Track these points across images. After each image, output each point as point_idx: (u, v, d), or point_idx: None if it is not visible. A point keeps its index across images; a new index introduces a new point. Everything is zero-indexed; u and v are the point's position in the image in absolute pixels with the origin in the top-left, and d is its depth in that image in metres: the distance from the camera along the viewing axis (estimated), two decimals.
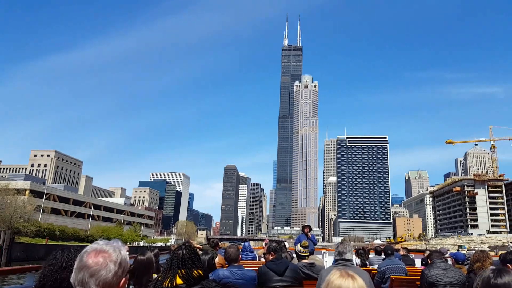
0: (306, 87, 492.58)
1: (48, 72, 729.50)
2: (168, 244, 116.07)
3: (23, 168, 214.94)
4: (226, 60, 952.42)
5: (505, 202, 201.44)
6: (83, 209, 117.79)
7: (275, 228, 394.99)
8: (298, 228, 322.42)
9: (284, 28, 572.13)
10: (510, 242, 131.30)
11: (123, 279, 2.09)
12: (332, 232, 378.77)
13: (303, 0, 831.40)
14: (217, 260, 6.46)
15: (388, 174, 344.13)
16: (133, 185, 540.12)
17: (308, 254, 7.34)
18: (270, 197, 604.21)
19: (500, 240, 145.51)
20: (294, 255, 8.19)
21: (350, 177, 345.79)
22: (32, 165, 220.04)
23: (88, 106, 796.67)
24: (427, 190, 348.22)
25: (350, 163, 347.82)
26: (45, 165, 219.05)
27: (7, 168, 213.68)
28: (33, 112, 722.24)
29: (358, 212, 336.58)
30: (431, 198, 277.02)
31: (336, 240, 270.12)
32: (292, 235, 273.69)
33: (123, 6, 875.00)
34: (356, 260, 10.92)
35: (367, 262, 10.84)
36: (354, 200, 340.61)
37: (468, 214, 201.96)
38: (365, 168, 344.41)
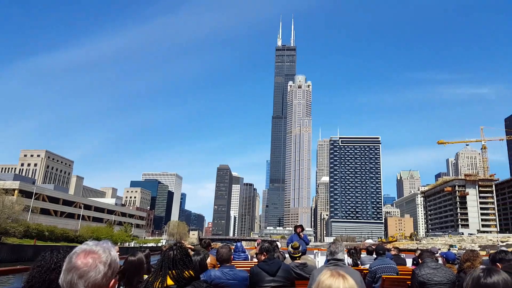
0: (299, 87, 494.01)
1: (39, 71, 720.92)
2: (160, 244, 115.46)
3: (12, 168, 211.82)
4: (219, 60, 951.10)
5: (495, 202, 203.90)
6: (73, 209, 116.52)
7: (268, 228, 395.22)
8: (291, 228, 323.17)
9: (278, 28, 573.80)
10: (500, 242, 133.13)
11: (113, 280, 2.06)
12: (325, 232, 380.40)
13: (297, 1, 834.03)
14: (208, 260, 6.42)
15: (380, 174, 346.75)
16: (125, 185, 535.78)
17: (300, 254, 7.34)
18: (262, 197, 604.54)
19: (491, 240, 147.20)
20: (287, 255, 8.19)
21: (343, 177, 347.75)
22: (22, 164, 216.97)
23: (80, 105, 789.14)
24: (418, 190, 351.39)
25: (343, 163, 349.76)
26: (35, 164, 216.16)
27: None
28: (24, 111, 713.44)
29: (350, 212, 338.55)
30: (422, 198, 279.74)
31: (328, 240, 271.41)
32: (285, 235, 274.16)
33: (116, 4, 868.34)
34: (348, 260, 10.97)
35: (359, 262, 10.89)
36: (347, 200, 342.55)
37: (459, 214, 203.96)
38: (358, 168, 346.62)
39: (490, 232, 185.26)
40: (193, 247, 8.84)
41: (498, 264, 5.39)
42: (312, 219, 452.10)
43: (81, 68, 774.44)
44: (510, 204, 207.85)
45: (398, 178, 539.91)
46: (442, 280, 5.95)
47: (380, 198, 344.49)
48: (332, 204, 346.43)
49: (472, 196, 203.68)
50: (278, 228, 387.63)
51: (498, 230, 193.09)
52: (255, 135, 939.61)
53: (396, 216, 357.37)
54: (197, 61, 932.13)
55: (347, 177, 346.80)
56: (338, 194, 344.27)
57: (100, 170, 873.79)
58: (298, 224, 12.39)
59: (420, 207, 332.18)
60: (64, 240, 77.53)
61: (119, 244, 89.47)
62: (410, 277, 6.59)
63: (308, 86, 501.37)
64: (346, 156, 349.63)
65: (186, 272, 2.89)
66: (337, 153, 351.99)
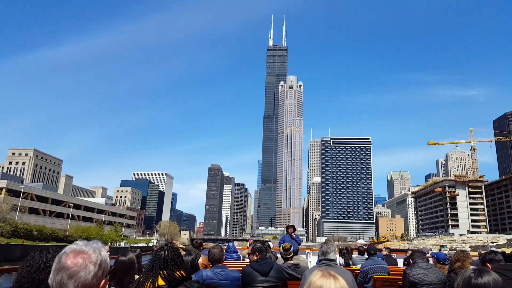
0: (291, 87, 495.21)
1: (28, 70, 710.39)
2: (150, 244, 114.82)
3: (0, 167, 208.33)
4: (211, 60, 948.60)
5: (484, 203, 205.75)
6: (62, 208, 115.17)
7: (260, 228, 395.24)
8: (283, 228, 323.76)
9: (269, 29, 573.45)
10: (490, 242, 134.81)
11: (103, 280, 2.05)
12: (316, 232, 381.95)
13: (289, 1, 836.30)
14: (200, 260, 6.38)
15: (371, 175, 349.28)
16: (115, 184, 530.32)
17: (292, 255, 7.33)
18: (254, 197, 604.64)
19: (481, 240, 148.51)
20: (279, 255, 8.18)
21: (334, 178, 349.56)
22: (10, 163, 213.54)
23: (69, 104, 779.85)
24: (409, 190, 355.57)
25: (334, 163, 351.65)
26: (24, 163, 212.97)
27: None
28: (12, 109, 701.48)
29: (342, 212, 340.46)
30: (413, 199, 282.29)
31: (320, 240, 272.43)
32: (277, 235, 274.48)
33: (107, 2, 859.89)
34: (340, 260, 11.00)
35: (350, 262, 10.93)
36: (338, 200, 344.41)
37: (449, 215, 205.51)
38: (349, 168, 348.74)
39: (480, 232, 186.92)
40: (184, 247, 8.78)
41: (488, 264, 5.44)
42: (304, 219, 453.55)
43: (71, 66, 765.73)
44: (499, 205, 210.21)
45: (389, 178, 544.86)
46: (433, 280, 6.01)
47: (371, 198, 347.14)
48: (324, 205, 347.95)
49: (462, 197, 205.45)
50: (270, 228, 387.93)
51: (488, 230, 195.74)
52: (247, 135, 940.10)
53: (387, 216, 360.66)
54: (188, 60, 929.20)
55: (338, 178, 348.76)
56: (330, 194, 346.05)
57: (90, 170, 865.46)
58: (290, 224, 12.42)
59: (410, 208, 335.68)
60: (53, 240, 76.59)
61: (109, 244, 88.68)
62: (401, 277, 6.63)
63: (300, 86, 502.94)
64: (337, 156, 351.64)
65: (177, 272, 2.88)
66: (328, 154, 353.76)
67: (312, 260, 13.60)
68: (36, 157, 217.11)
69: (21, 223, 73.00)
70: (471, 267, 5.76)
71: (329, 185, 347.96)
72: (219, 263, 5.83)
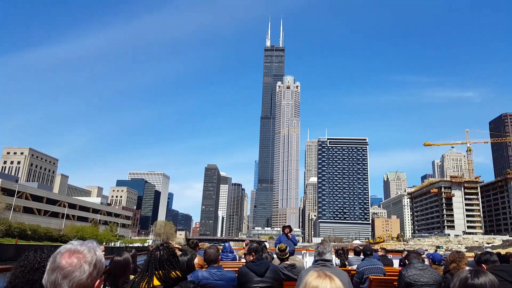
0: (288, 87, 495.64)
1: (23, 68, 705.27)
2: (146, 244, 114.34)
3: None
4: (208, 59, 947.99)
5: (480, 204, 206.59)
6: (57, 208, 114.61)
7: (256, 228, 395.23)
8: (279, 229, 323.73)
9: (267, 29, 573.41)
10: (486, 243, 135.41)
11: (98, 280, 2.03)
12: (312, 232, 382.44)
13: (286, 2, 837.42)
14: (196, 261, 6.35)
15: (367, 175, 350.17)
16: (111, 184, 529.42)
17: (288, 255, 7.33)
18: (251, 197, 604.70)
19: (477, 241, 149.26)
20: (275, 256, 8.17)
21: (331, 178, 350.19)
22: (5, 162, 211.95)
23: (65, 103, 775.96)
24: (405, 191, 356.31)
25: (331, 164, 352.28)
26: (19, 162, 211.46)
27: None
28: (7, 108, 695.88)
29: (338, 213, 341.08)
30: (409, 199, 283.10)
31: (316, 240, 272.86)
32: (273, 236, 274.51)
33: (102, 1, 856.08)
34: (336, 261, 11.01)
35: (346, 263, 10.94)
36: (334, 200, 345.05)
37: (445, 215, 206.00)
38: (345, 169, 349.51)
39: (475, 233, 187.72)
40: (180, 247, 8.74)
41: (484, 265, 5.47)
42: (300, 219, 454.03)
43: (67, 66, 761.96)
44: (494, 206, 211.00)
45: (385, 179, 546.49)
46: (428, 281, 6.03)
47: (367, 199, 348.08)
48: (320, 205, 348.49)
49: (458, 198, 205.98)
50: (266, 228, 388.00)
51: (483, 231, 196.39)
52: (244, 135, 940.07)
53: (383, 217, 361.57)
54: (186, 60, 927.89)
55: (335, 178, 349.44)
56: (326, 195, 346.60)
57: (86, 169, 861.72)
58: (286, 225, 12.39)
59: (406, 208, 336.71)
60: (48, 239, 76.01)
61: (104, 244, 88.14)
62: (397, 278, 6.64)
63: (297, 87, 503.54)
64: (334, 157, 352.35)
65: (173, 272, 2.87)
66: (325, 154, 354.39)
67: (308, 260, 13.60)
68: (31, 156, 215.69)
69: (15, 223, 72.40)
70: (467, 268, 5.80)
71: (326, 185, 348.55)
72: (215, 264, 5.82)
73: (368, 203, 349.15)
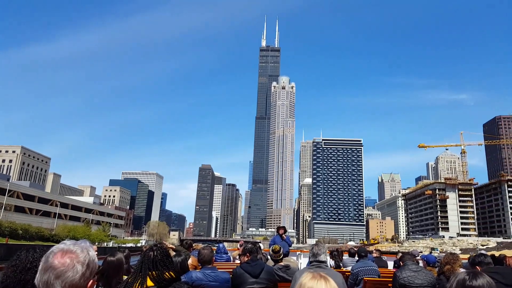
0: (283, 88, 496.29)
1: (16, 67, 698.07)
2: (139, 245, 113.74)
3: None
4: (203, 59, 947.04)
5: (474, 206, 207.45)
6: (49, 207, 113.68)
7: (250, 229, 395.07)
8: (273, 230, 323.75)
9: (262, 29, 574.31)
10: (480, 245, 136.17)
11: (91, 280, 2.02)
12: (307, 233, 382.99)
13: (282, 2, 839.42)
14: (190, 261, 6.30)
15: (362, 177, 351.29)
16: (104, 183, 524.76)
17: (282, 257, 7.29)
18: (245, 198, 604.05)
19: (471, 243, 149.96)
20: (269, 257, 8.13)
21: (325, 179, 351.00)
22: None
23: (58, 102, 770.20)
24: (399, 193, 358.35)
25: (326, 165, 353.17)
26: (10, 161, 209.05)
27: None
28: None
29: (333, 214, 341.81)
30: (403, 201, 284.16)
31: (311, 241, 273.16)
32: (267, 237, 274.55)
33: (98, 0, 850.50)
34: (330, 262, 11.01)
35: (341, 264, 10.94)
36: (329, 201, 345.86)
37: (439, 217, 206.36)
38: (340, 170, 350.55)
39: (470, 235, 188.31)
40: (174, 247, 8.68)
41: (478, 267, 5.50)
42: (295, 220, 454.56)
43: (60, 64, 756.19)
44: (488, 208, 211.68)
45: (380, 180, 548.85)
46: (423, 282, 6.03)
47: (362, 200, 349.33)
48: (315, 206, 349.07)
49: (452, 200, 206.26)
50: (260, 229, 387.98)
51: (477, 233, 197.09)
52: (238, 135, 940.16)
53: (378, 218, 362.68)
54: (180, 60, 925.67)
55: (329, 179, 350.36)
56: (321, 196, 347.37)
57: (79, 168, 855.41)
58: (280, 226, 12.37)
59: (401, 210, 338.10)
60: (39, 239, 75.26)
61: (97, 244, 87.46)
62: (391, 279, 6.64)
63: (292, 87, 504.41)
64: (328, 158, 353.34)
65: (166, 273, 2.86)
66: (320, 155, 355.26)
67: (302, 261, 13.59)
68: (23, 154, 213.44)
69: (6, 222, 71.63)
70: (461, 269, 5.82)
71: (320, 186, 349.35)
72: (209, 264, 5.78)
73: (363, 204, 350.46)
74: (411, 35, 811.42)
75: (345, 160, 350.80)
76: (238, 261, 9.43)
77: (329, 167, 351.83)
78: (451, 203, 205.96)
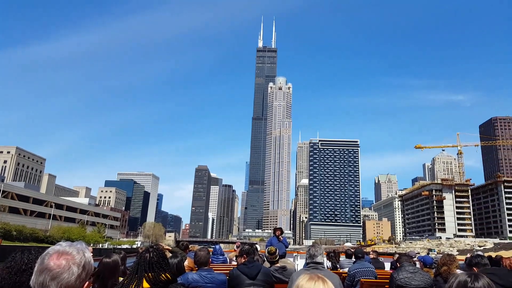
0: (280, 89, 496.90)
1: (11, 66, 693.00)
2: (134, 246, 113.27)
3: None
4: (200, 60, 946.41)
5: (471, 207, 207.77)
6: (44, 208, 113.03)
7: (246, 230, 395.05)
8: (270, 231, 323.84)
9: (259, 30, 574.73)
10: (478, 246, 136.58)
11: (87, 282, 2.02)
12: (303, 234, 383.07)
13: (279, 3, 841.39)
14: (186, 263, 6.26)
15: (358, 178, 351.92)
16: (99, 184, 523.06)
17: (278, 258, 7.26)
18: (242, 198, 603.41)
19: (468, 244, 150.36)
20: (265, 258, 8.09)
21: (322, 180, 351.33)
22: None
23: (53, 102, 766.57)
24: (396, 194, 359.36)
25: (322, 165, 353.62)
26: (5, 161, 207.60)
27: None
28: None
29: (329, 215, 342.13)
30: (400, 202, 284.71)
31: (307, 242, 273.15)
32: (264, 238, 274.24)
33: (94, 1, 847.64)
34: (327, 263, 10.99)
35: (338, 265, 10.93)
36: (326, 202, 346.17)
37: (436, 218, 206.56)
38: (337, 171, 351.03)
39: (466, 236, 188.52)
40: (170, 248, 8.62)
41: (475, 268, 5.50)
42: (291, 221, 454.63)
43: (56, 64, 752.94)
44: (485, 209, 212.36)
45: (376, 181, 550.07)
46: (419, 284, 6.03)
47: (358, 201, 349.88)
48: (311, 207, 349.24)
49: (449, 201, 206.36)
50: (257, 230, 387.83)
51: (474, 234, 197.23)
52: (235, 136, 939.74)
53: (374, 219, 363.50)
54: (177, 60, 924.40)
55: (326, 180, 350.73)
56: (317, 197, 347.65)
57: (74, 169, 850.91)
58: (277, 227, 12.34)
59: (397, 211, 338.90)
60: (33, 240, 74.77)
61: (92, 245, 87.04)
62: (388, 281, 6.64)
63: (289, 88, 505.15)
64: (325, 158, 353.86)
65: (162, 275, 2.85)
66: (316, 156, 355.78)
67: (299, 263, 13.57)
68: (18, 155, 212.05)
69: (0, 223, 71.09)
70: (458, 271, 5.82)
71: (317, 187, 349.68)
72: (205, 266, 5.75)
73: (359, 205, 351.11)
74: (408, 35, 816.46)
75: (342, 161, 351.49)
76: (235, 263, 9.39)
77: (325, 168, 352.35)
78: (447, 204, 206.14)
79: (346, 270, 9.25)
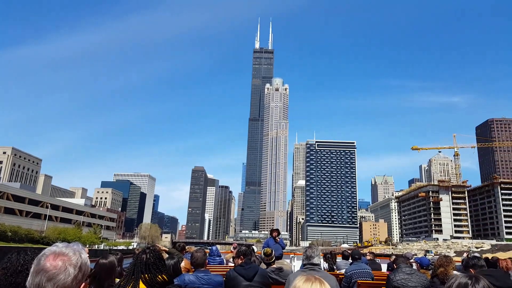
0: (277, 90, 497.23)
1: (6, 67, 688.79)
2: (130, 247, 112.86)
3: None
4: (197, 60, 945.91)
5: (467, 208, 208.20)
6: (39, 209, 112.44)
7: (243, 231, 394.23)
8: (266, 232, 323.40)
9: (256, 31, 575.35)
10: (474, 247, 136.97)
11: (83, 283, 2.01)
12: (300, 236, 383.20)
13: (275, 4, 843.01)
14: (182, 264, 6.23)
15: (355, 179, 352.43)
16: (95, 185, 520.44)
17: (274, 260, 7.25)
18: (238, 200, 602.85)
19: (466, 245, 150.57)
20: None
21: (319, 181, 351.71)
22: None
23: (50, 102, 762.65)
24: (392, 195, 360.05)
25: (319, 167, 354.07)
26: (1, 162, 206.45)
27: None
28: None
29: (326, 216, 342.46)
30: (396, 203, 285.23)
31: (304, 244, 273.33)
32: (260, 239, 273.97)
33: (91, 1, 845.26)
34: (324, 265, 10.99)
35: (335, 267, 10.94)
36: (322, 204, 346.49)
37: (432, 220, 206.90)
38: (333, 172, 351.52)
39: (463, 238, 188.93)
40: (167, 249, 8.58)
41: (471, 269, 5.51)
42: (288, 223, 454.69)
43: (53, 65, 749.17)
44: (481, 210, 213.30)
45: (373, 183, 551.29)
46: (416, 285, 6.04)
47: (355, 202, 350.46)
48: (308, 208, 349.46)
49: (445, 202, 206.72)
50: (253, 231, 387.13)
51: (471, 236, 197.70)
52: (232, 137, 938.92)
53: (371, 220, 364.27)
54: (174, 60, 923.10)
55: (323, 181, 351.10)
56: (314, 198, 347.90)
57: (70, 170, 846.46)
58: (274, 228, 12.34)
59: (394, 212, 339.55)
60: (29, 241, 74.33)
61: (88, 246, 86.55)
62: (385, 282, 6.64)
63: (285, 89, 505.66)
64: (322, 160, 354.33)
65: (159, 276, 2.84)
66: (313, 157, 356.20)
67: (296, 264, 13.55)
68: (14, 155, 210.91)
69: None
70: (455, 272, 5.83)
71: (314, 188, 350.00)
72: (202, 267, 5.73)
73: (356, 206, 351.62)
74: (405, 38, 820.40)
75: (339, 162, 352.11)
76: (231, 264, 9.37)
77: (322, 169, 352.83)
78: (444, 205, 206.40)
79: (343, 271, 9.26)
